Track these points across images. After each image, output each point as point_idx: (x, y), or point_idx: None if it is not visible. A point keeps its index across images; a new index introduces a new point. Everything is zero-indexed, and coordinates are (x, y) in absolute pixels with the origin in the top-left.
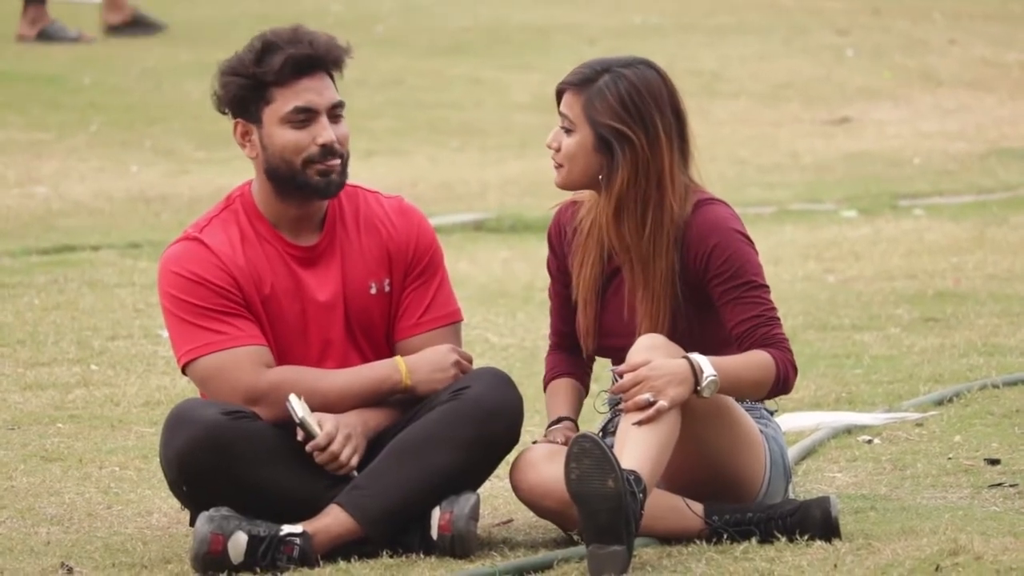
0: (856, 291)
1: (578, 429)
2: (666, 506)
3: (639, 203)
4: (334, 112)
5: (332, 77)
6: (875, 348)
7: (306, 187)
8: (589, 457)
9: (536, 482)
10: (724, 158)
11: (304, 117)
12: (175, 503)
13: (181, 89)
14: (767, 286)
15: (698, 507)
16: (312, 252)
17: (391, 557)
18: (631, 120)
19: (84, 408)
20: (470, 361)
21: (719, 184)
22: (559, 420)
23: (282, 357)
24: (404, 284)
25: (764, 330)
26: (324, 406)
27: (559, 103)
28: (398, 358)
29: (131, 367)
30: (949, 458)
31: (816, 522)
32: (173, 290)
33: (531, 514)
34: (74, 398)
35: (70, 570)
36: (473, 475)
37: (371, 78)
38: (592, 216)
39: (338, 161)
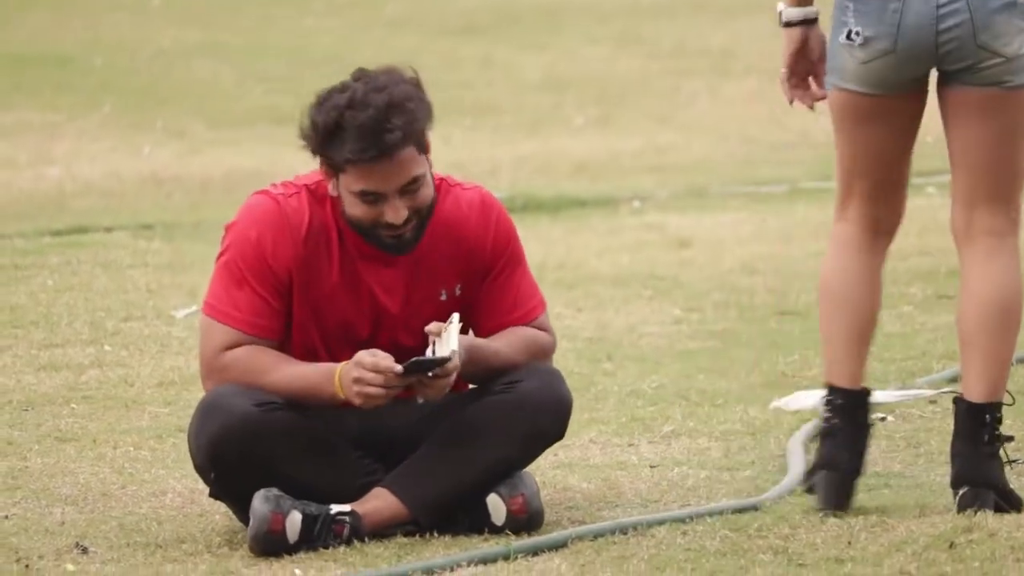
0: None
1: None
2: None
3: None
4: (407, 188)
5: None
6: (888, 326)
7: (377, 243)
8: None
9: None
10: (735, 137)
11: (373, 197)
12: (189, 483)
13: (192, 70)
14: None
15: None
16: (388, 256)
17: (405, 536)
18: None
19: (98, 389)
20: (382, 374)
21: (729, 163)
22: None
23: (328, 351)
24: (482, 285)
25: None
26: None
27: None
28: (338, 370)
29: (144, 348)
30: None
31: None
32: (234, 245)
33: (545, 492)
34: (88, 379)
35: (85, 550)
36: (520, 465)
37: (382, 59)
38: None
39: (409, 227)
